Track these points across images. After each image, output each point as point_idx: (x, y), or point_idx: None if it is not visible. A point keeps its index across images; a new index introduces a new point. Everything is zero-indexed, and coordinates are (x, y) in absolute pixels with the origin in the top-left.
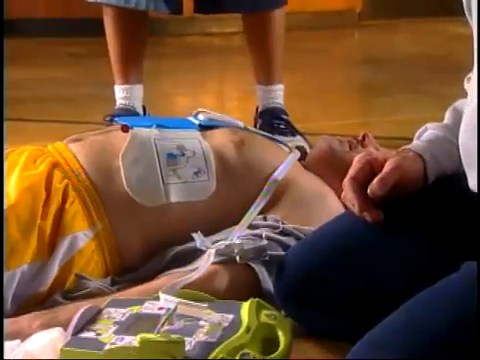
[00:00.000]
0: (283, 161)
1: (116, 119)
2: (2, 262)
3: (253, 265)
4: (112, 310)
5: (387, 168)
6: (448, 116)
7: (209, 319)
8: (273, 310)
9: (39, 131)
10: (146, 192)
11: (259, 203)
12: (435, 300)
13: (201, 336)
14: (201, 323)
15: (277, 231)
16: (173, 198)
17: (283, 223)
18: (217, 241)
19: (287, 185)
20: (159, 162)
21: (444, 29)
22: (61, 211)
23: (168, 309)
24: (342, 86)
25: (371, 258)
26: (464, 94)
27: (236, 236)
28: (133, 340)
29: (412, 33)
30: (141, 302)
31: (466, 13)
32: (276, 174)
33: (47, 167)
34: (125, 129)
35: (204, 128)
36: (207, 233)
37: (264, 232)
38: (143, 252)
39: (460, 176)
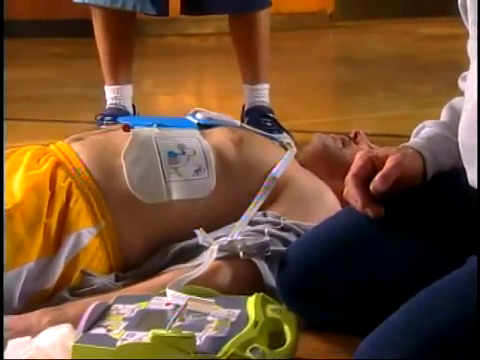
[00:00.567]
0: (281, 158)
1: (118, 119)
2: (2, 262)
3: (255, 260)
4: (121, 306)
5: (389, 165)
6: (445, 114)
7: (216, 314)
8: (277, 304)
9: (28, 130)
10: (148, 190)
11: (259, 200)
12: (435, 299)
13: (210, 331)
14: (209, 318)
15: (278, 227)
16: (175, 196)
17: (283, 219)
18: (219, 237)
19: (285, 182)
20: (160, 160)
21: (412, 30)
22: (65, 209)
23: (176, 305)
24: (320, 85)
25: (371, 252)
26: (459, 93)
27: (237, 232)
28: (144, 336)
29: (382, 34)
30: (148, 298)
31: (461, 12)
32: (275, 171)
33: (50, 166)
34: (126, 128)
35: (203, 127)
36: (208, 229)
37: (266, 228)
38: (145, 249)
39: (458, 172)
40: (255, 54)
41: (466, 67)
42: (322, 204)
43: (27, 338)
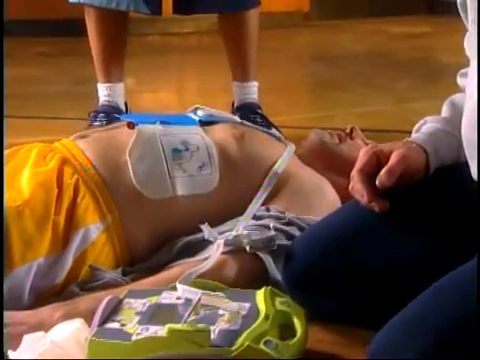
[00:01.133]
0: (281, 154)
1: (122, 117)
2: (2, 262)
3: (260, 254)
4: (132, 300)
5: (394, 160)
6: (445, 109)
7: (227, 308)
8: (285, 297)
9: (19, 127)
10: (153, 186)
11: (261, 195)
12: (436, 299)
13: (223, 324)
14: (220, 312)
15: (282, 221)
16: (179, 191)
17: (285, 214)
18: (223, 232)
19: (287, 177)
20: (165, 157)
21: (384, 29)
22: (73, 205)
23: (186, 299)
24: (300, 82)
25: (375, 247)
26: (457, 89)
27: (242, 227)
28: (158, 330)
29: (354, 33)
30: (158, 292)
31: (460, 11)
32: (276, 167)
33: (57, 163)
34: (131, 126)
35: (204, 124)
36: (211, 224)
37: (271, 223)
38: (151, 243)
39: (459, 166)
40: (244, 53)
41: (437, 64)
42: (323, 198)
43: (41, 333)
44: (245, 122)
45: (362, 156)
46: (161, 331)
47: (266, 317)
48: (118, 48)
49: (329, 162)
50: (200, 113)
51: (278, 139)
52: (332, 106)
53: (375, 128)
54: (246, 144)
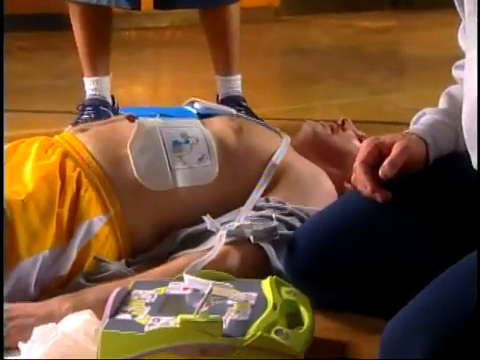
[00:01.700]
0: (278, 145)
1: (121, 111)
2: (2, 262)
3: (262, 244)
4: (140, 292)
5: (396, 151)
6: (443, 101)
7: (235, 298)
8: (290, 287)
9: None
10: (155, 178)
11: (261, 186)
12: (436, 298)
13: (233, 314)
14: (229, 302)
15: (282, 212)
16: (180, 183)
17: (285, 204)
18: (225, 223)
19: (284, 168)
20: (165, 149)
21: (351, 24)
22: (76, 198)
23: (194, 289)
24: (276, 75)
25: (377, 236)
26: (451, 81)
27: (243, 217)
28: (170, 320)
29: (323, 27)
30: (165, 283)
31: (456, 4)
32: (275, 158)
33: (59, 156)
34: (131, 119)
35: (202, 116)
36: (212, 215)
37: (273, 213)
38: (152, 234)
39: (457, 156)
40: (227, 47)
41: (405, 56)
42: (320, 188)
43: (52, 324)
44: (241, 114)
45: (364, 147)
46: (173, 322)
47: (274, 306)
48: (103, 42)
49: (323, 153)
50: (197, 106)
51: (275, 131)
52: (309, 98)
53: (352, 119)
54: (244, 136)
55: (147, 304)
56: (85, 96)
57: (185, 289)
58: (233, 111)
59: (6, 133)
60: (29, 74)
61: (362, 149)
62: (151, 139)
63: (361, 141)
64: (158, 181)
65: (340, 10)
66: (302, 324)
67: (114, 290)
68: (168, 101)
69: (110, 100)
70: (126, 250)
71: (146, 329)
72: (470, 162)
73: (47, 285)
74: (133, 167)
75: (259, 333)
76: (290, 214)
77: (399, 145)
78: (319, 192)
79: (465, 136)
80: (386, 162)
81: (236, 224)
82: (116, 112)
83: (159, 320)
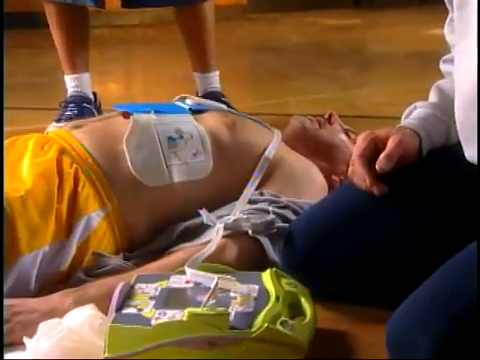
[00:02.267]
0: (270, 140)
1: (116, 107)
2: (2, 261)
3: (259, 237)
4: (143, 285)
5: (392, 144)
6: (433, 95)
7: (237, 290)
8: (290, 278)
9: None
10: (151, 173)
11: (255, 180)
12: (438, 290)
13: (237, 307)
14: (232, 294)
15: (278, 205)
16: (176, 178)
17: (279, 197)
18: (221, 216)
19: (277, 162)
20: (161, 145)
21: (317, 21)
22: (74, 194)
23: (195, 282)
24: (248, 72)
25: (374, 227)
26: (438, 75)
27: (239, 211)
28: (176, 314)
29: (290, 25)
30: (167, 277)
31: (445, 1)
32: (267, 152)
33: (55, 153)
34: (126, 115)
35: (194, 112)
36: (208, 209)
37: (269, 207)
38: (149, 229)
39: (450, 148)
40: (204, 44)
41: (370, 53)
42: (311, 181)
43: (56, 320)
44: (231, 110)
45: (361, 142)
46: (179, 315)
47: (277, 298)
48: (81, 39)
49: (311, 147)
50: (189, 102)
51: (266, 126)
52: (283, 94)
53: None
54: (237, 131)
55: (151, 298)
56: (66, 93)
57: (187, 282)
58: (224, 107)
59: None
60: (7, 72)
61: (358, 144)
62: (147, 135)
63: (347, 135)
64: (154, 177)
65: (305, 8)
66: (303, 315)
67: (117, 284)
68: (141, 98)
69: (92, 96)
70: (123, 245)
71: (153, 323)
72: (463, 154)
73: (47, 280)
74: (129, 163)
75: (266, 325)
76: (284, 207)
77: (394, 139)
78: (311, 185)
79: (458, 128)
80: (382, 156)
81: (233, 217)
82: (99, 108)
83: (165, 314)
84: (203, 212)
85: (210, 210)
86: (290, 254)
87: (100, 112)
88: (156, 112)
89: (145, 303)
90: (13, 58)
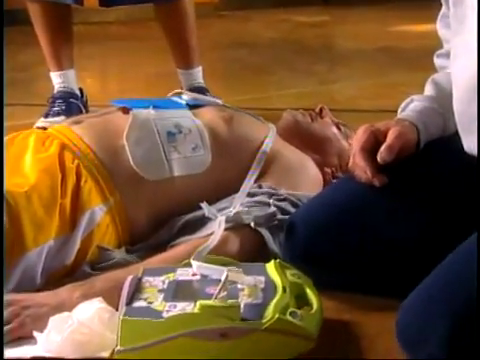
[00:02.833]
0: (266, 133)
1: (115, 103)
2: (2, 261)
3: (259, 229)
4: (151, 279)
5: (392, 136)
6: (430, 88)
7: (244, 282)
8: (294, 269)
9: None
10: (151, 168)
11: (253, 173)
12: (447, 278)
13: (246, 298)
14: (239, 286)
15: (277, 198)
16: (176, 172)
17: (278, 190)
18: (221, 209)
19: (273, 156)
20: (160, 140)
21: (288, 18)
22: (77, 189)
23: (202, 275)
24: (226, 67)
25: (375, 218)
26: (432, 69)
27: (239, 204)
28: (186, 306)
29: (262, 22)
30: (173, 270)
31: None
32: (264, 146)
33: (57, 149)
34: (126, 111)
35: (191, 107)
36: (207, 202)
37: (270, 199)
38: (150, 222)
39: (446, 140)
40: (186, 41)
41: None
42: (307, 173)
43: (66, 313)
44: (227, 105)
45: (361, 135)
46: (189, 307)
47: (284, 289)
48: (65, 37)
49: (304, 140)
50: (185, 97)
51: (258, 120)
52: (264, 89)
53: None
54: (235, 125)
55: (160, 291)
56: (46, 89)
57: (193, 275)
58: (220, 102)
59: None
60: None
61: (359, 136)
62: (146, 130)
63: (338, 128)
64: (155, 171)
65: (275, 6)
66: (308, 305)
67: (123, 277)
68: (117, 94)
69: (78, 92)
70: (125, 238)
71: (165, 315)
72: (461, 145)
73: (53, 274)
74: (130, 158)
75: (277, 316)
76: (283, 199)
77: (394, 131)
78: (307, 177)
79: (457, 120)
80: (384, 147)
81: (234, 210)
82: (85, 104)
83: (176, 306)
84: (204, 205)
85: (210, 203)
86: (291, 245)
87: (87, 107)
88: (155, 107)
89: (154, 296)
90: None
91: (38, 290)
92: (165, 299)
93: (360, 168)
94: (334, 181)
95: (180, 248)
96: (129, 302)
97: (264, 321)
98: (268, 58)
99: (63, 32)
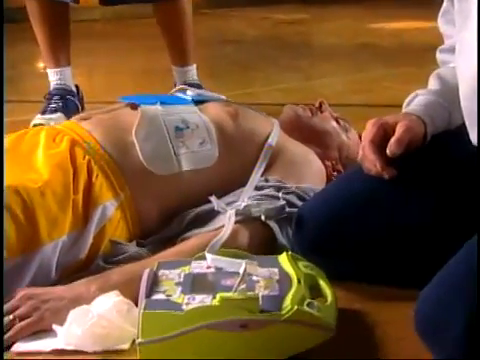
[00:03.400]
0: (271, 128)
1: (122, 99)
2: (2, 261)
3: (268, 222)
4: (167, 272)
5: (401, 130)
6: (434, 82)
7: (259, 274)
8: (306, 261)
9: None
10: (161, 163)
11: (260, 167)
12: (457, 278)
13: (262, 290)
14: (254, 278)
15: (286, 191)
16: (184, 167)
17: (284, 183)
18: (230, 203)
19: (278, 150)
20: (169, 135)
21: (268, 16)
22: (89, 184)
23: (216, 267)
24: (213, 64)
25: (384, 210)
26: (434, 64)
27: (247, 197)
28: (205, 298)
29: (243, 20)
30: (188, 263)
31: None
32: (270, 140)
33: (67, 145)
34: (134, 107)
35: (197, 102)
36: (215, 196)
37: (279, 193)
38: (160, 216)
39: (452, 133)
40: (182, 39)
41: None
42: (311, 166)
43: (85, 306)
44: (231, 100)
45: (370, 128)
46: (208, 299)
47: (298, 281)
48: (62, 34)
49: (305, 134)
50: (190, 93)
51: (261, 115)
52: (251, 84)
53: (296, 102)
54: (240, 120)
55: (177, 284)
56: (40, 87)
57: (208, 268)
58: (224, 97)
59: None
60: None
61: (368, 129)
62: (155, 126)
63: (338, 122)
64: (164, 165)
65: (254, 4)
66: (321, 296)
67: (138, 271)
68: (103, 91)
69: (74, 88)
70: (136, 232)
71: (184, 308)
72: (468, 138)
73: (67, 269)
74: (139, 153)
75: (296, 307)
76: (290, 192)
77: (403, 124)
78: (311, 171)
79: (464, 114)
80: (393, 140)
81: (243, 203)
82: (81, 101)
83: (194, 299)
84: (213, 199)
85: (217, 197)
86: (301, 237)
87: (83, 104)
88: (162, 103)
89: (172, 289)
90: None
91: (53, 284)
92: (183, 292)
93: (370, 161)
94: (335, 174)
95: (192, 241)
96: (148, 295)
97: (283, 312)
98: (253, 55)
99: (61, 30)
